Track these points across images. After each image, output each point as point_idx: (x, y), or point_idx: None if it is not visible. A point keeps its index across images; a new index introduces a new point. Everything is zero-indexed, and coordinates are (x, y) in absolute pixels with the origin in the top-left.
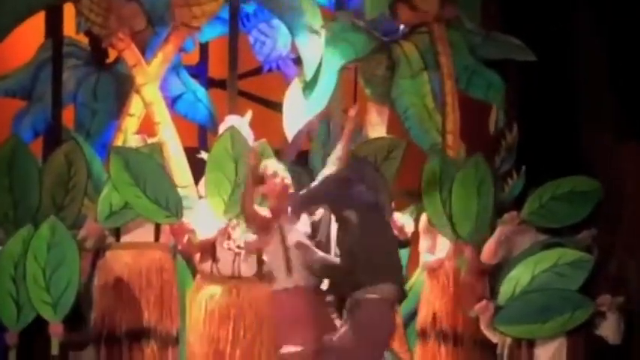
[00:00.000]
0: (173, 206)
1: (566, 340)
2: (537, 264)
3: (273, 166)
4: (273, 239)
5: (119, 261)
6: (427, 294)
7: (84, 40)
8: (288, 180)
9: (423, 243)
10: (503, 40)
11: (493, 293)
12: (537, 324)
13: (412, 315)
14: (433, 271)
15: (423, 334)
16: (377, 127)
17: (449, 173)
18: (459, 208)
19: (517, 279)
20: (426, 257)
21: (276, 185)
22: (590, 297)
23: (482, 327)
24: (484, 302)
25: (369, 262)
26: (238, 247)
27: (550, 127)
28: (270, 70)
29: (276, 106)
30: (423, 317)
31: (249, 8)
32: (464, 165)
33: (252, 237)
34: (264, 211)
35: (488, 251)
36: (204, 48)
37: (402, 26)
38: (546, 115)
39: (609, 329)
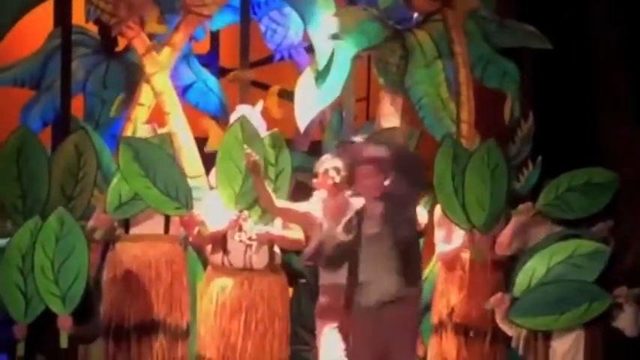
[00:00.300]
0: (183, 197)
1: (584, 333)
2: (553, 255)
3: (327, 163)
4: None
5: (128, 253)
6: (442, 285)
7: (93, 28)
8: (337, 179)
9: (439, 233)
10: (518, 27)
11: (508, 285)
12: (553, 316)
13: (426, 307)
14: (448, 261)
15: (439, 327)
16: (390, 117)
17: (462, 161)
18: (472, 195)
19: (533, 270)
20: (441, 247)
21: (327, 183)
22: (607, 289)
23: (498, 319)
24: (499, 294)
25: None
26: (250, 238)
27: (566, 117)
28: (281, 58)
29: (287, 96)
30: (438, 310)
31: None
32: (476, 150)
33: (263, 229)
34: (297, 206)
35: (503, 242)
36: (215, 36)
37: (415, 14)
38: (563, 104)
39: (626, 321)
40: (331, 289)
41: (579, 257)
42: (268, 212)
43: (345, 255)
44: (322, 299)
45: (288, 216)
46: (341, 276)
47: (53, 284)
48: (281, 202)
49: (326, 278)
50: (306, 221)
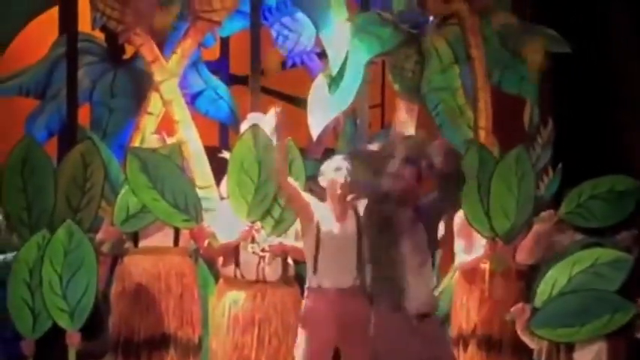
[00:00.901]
0: (192, 209)
1: (606, 344)
2: (575, 264)
3: (335, 162)
4: (309, 232)
5: (137, 266)
6: (462, 297)
7: (100, 36)
8: (342, 180)
9: (458, 243)
10: (537, 31)
11: (529, 295)
12: (575, 327)
13: (444, 319)
14: (468, 272)
15: (459, 340)
16: (406, 125)
17: (488, 168)
18: (497, 204)
19: (554, 280)
20: (461, 257)
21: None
22: (631, 299)
23: (519, 331)
24: (520, 305)
25: None
26: (263, 250)
27: (588, 123)
28: (294, 65)
29: (300, 103)
30: (458, 322)
31: (271, 1)
32: (504, 158)
33: (276, 240)
34: (304, 195)
35: (525, 251)
36: (225, 43)
37: (431, 18)
38: (584, 109)
39: None
40: (318, 292)
41: (601, 266)
42: (281, 222)
43: None
44: (308, 303)
45: (293, 197)
46: (329, 279)
47: (61, 299)
48: (292, 182)
49: (312, 280)
50: (304, 212)
